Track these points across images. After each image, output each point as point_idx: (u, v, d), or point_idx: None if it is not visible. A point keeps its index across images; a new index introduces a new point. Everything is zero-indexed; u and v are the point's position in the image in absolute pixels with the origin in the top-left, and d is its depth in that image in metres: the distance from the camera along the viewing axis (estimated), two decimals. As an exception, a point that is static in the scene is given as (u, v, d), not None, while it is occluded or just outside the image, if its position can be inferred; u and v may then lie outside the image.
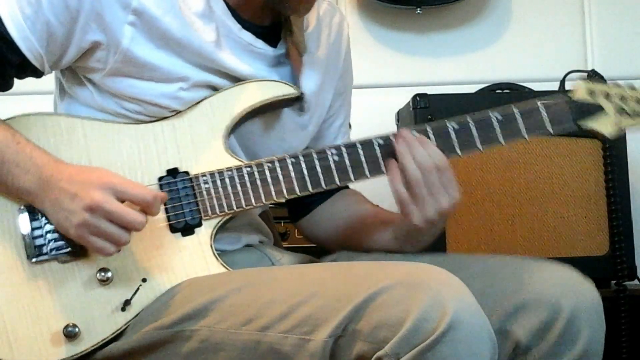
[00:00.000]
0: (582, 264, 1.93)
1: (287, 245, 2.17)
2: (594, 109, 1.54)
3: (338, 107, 1.76)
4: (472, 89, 2.54)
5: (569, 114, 1.53)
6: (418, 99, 2.23)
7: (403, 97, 2.34)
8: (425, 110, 2.20)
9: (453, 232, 2.22)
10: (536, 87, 2.46)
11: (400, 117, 2.42)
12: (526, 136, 1.52)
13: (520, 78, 2.60)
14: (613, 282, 2.23)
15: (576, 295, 1.39)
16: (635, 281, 2.25)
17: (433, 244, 2.17)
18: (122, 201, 1.38)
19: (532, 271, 1.44)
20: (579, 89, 1.55)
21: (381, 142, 1.51)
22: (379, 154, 1.50)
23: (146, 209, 1.39)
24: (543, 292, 1.39)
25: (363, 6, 2.76)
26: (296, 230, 2.32)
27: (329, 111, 1.73)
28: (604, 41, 2.76)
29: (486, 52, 2.76)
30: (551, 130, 1.52)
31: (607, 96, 1.55)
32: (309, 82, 1.61)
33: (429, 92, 2.24)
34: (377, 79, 2.75)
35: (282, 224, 2.28)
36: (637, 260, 2.27)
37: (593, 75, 1.93)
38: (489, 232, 2.23)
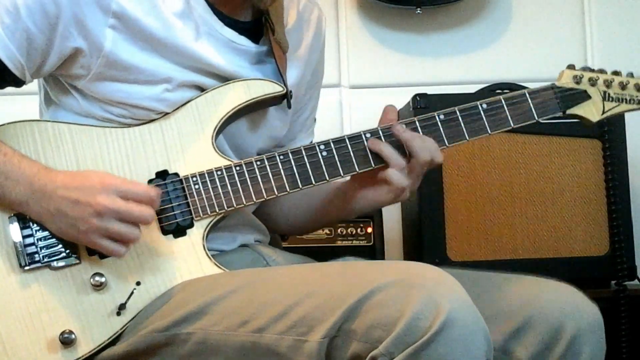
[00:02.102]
0: (582, 264, 1.94)
1: (287, 245, 2.17)
2: (579, 96, 1.58)
3: (307, 101, 1.78)
4: (472, 89, 2.53)
5: (555, 101, 1.57)
6: (418, 99, 2.22)
7: (403, 97, 2.34)
8: (425, 110, 2.18)
9: (453, 232, 2.22)
10: (536, 87, 2.45)
11: (400, 117, 2.40)
12: (512, 125, 1.55)
13: (520, 78, 2.59)
14: (613, 282, 2.22)
15: (579, 317, 1.40)
16: (635, 281, 2.24)
17: (432, 244, 2.19)
18: (126, 200, 1.38)
19: (536, 291, 1.44)
20: (564, 76, 1.58)
21: (369, 136, 1.52)
22: (368, 148, 1.51)
23: (151, 205, 1.40)
24: (546, 312, 1.40)
25: (363, 6, 2.75)
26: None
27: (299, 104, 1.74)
28: (604, 41, 2.75)
29: (486, 52, 2.76)
30: (537, 117, 1.55)
31: (593, 82, 1.57)
32: (291, 78, 1.62)
33: (429, 92, 2.24)
34: (377, 79, 2.75)
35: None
36: (637, 260, 2.26)
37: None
38: (489, 232, 2.22)
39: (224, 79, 1.53)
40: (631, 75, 1.60)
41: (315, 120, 1.85)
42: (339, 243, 2.31)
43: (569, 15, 2.76)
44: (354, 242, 2.30)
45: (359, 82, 2.75)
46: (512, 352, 1.40)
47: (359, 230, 2.30)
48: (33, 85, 1.59)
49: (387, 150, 1.51)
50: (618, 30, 2.75)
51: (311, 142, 1.81)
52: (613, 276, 2.21)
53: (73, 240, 1.42)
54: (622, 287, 2.20)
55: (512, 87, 2.47)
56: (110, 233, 1.38)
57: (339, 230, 2.30)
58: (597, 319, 1.41)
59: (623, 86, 1.59)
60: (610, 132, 2.21)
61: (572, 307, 1.41)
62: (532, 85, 2.43)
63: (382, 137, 1.52)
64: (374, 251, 2.29)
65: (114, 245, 1.40)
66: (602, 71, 1.59)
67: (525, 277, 1.51)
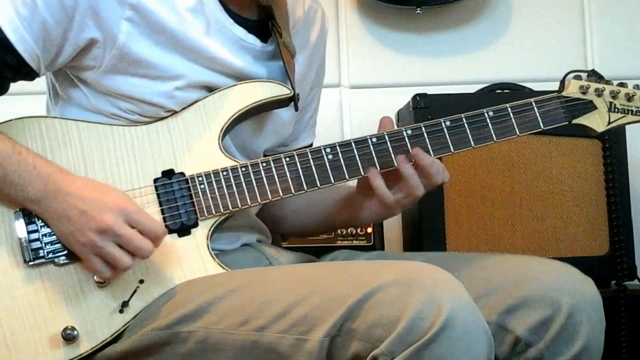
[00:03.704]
0: (582, 264, 1.93)
1: (287, 245, 2.17)
2: (585, 106, 1.59)
3: (310, 100, 1.79)
4: (472, 89, 2.54)
5: (561, 110, 1.57)
6: (418, 99, 2.22)
7: (403, 97, 2.34)
8: (425, 110, 2.20)
9: (453, 232, 2.22)
10: (536, 87, 2.46)
11: (400, 117, 2.41)
12: (518, 132, 1.56)
13: (520, 78, 2.59)
14: (613, 282, 2.22)
15: (575, 291, 1.40)
16: (635, 281, 2.24)
17: (432, 244, 2.19)
18: (131, 227, 1.38)
19: (531, 268, 1.45)
20: (570, 86, 1.59)
21: (375, 140, 1.53)
22: (374, 152, 1.52)
23: (154, 242, 1.40)
24: (542, 288, 1.40)
25: (363, 6, 2.75)
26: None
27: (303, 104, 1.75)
28: (604, 41, 2.75)
29: (486, 52, 2.76)
30: (543, 126, 1.56)
31: (599, 93, 1.58)
32: (296, 77, 1.62)
33: (429, 92, 2.24)
34: (377, 79, 2.75)
35: (282, 224, 2.27)
36: (637, 260, 2.26)
37: (593, 75, 1.94)
38: (489, 232, 2.23)
39: (232, 76, 1.54)
40: (637, 87, 1.61)
41: (316, 121, 1.86)
42: (339, 243, 2.31)
43: (569, 15, 2.76)
44: (354, 242, 2.30)
45: (359, 82, 2.75)
46: (508, 326, 1.40)
47: (359, 230, 2.30)
48: (37, 85, 1.60)
49: (380, 186, 1.52)
50: (618, 31, 2.75)
51: (312, 142, 1.82)
52: (613, 276, 2.21)
53: (68, 247, 1.42)
54: (622, 287, 2.20)
55: (512, 87, 2.48)
56: (104, 254, 1.38)
57: (339, 230, 2.30)
58: (593, 293, 1.42)
59: (629, 98, 1.60)
60: (610, 132, 2.21)
61: (567, 282, 1.41)
62: (532, 85, 2.47)
63: (388, 142, 1.53)
64: (374, 251, 2.29)
65: (102, 266, 1.39)
66: (608, 82, 1.60)
67: (518, 255, 1.53)
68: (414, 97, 2.23)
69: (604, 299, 1.44)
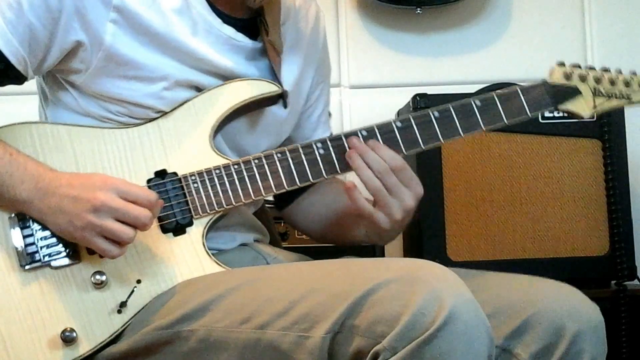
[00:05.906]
0: (582, 264, 1.94)
1: (287, 245, 2.17)
2: (570, 92, 1.60)
3: (316, 98, 1.78)
4: (472, 89, 2.52)
5: (547, 96, 1.59)
6: (418, 99, 2.23)
7: (403, 97, 2.34)
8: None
9: (453, 233, 2.22)
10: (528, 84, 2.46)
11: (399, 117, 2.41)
12: (506, 121, 1.56)
13: (521, 78, 2.57)
14: (613, 282, 2.22)
15: (580, 317, 1.39)
16: (635, 281, 2.24)
17: (433, 244, 2.19)
18: (125, 200, 1.38)
19: (537, 290, 1.44)
20: (555, 73, 1.61)
21: (365, 133, 1.53)
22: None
23: (150, 209, 1.39)
24: (548, 312, 1.39)
25: (363, 6, 2.76)
26: (296, 231, 2.32)
27: (307, 102, 1.74)
28: (604, 40, 2.76)
29: (486, 52, 2.76)
30: (529, 113, 1.57)
31: (583, 78, 1.60)
32: (288, 76, 1.62)
33: (429, 92, 2.25)
34: (377, 79, 2.75)
35: (282, 224, 2.27)
36: (637, 260, 2.26)
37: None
38: (489, 232, 2.23)
39: (221, 75, 1.54)
40: (619, 71, 1.63)
41: (330, 114, 1.84)
42: (339, 243, 2.31)
43: (569, 15, 2.76)
44: (354, 242, 2.30)
45: (359, 82, 2.76)
46: (513, 351, 1.39)
47: (358, 230, 2.29)
48: (33, 85, 1.59)
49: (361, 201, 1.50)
50: (618, 30, 2.76)
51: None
52: (613, 276, 2.21)
53: (70, 239, 1.42)
54: (622, 287, 2.20)
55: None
56: (104, 231, 1.37)
57: (338, 230, 2.29)
58: (598, 319, 1.41)
59: (612, 82, 1.62)
60: (610, 132, 2.22)
61: (572, 307, 1.40)
62: (533, 85, 2.46)
63: (379, 135, 1.53)
64: (373, 251, 2.29)
65: (107, 244, 1.38)
66: (591, 68, 1.63)
67: (525, 276, 1.51)
68: (414, 97, 2.23)
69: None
